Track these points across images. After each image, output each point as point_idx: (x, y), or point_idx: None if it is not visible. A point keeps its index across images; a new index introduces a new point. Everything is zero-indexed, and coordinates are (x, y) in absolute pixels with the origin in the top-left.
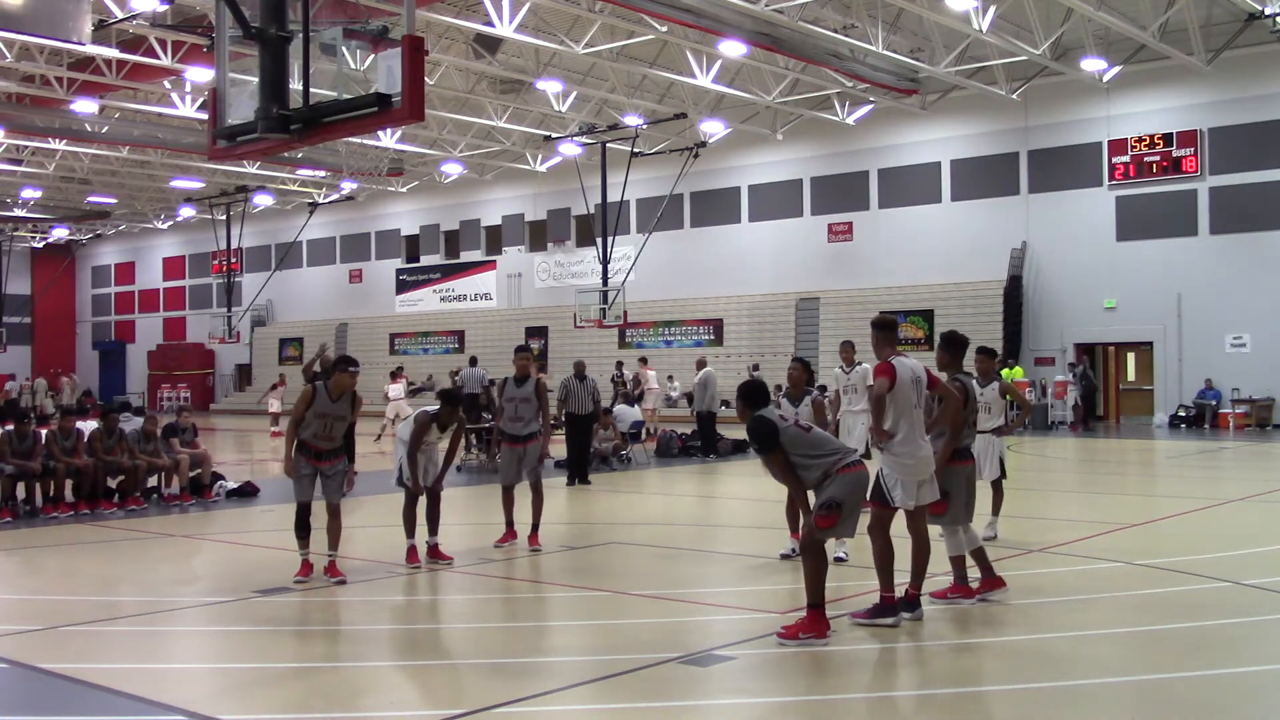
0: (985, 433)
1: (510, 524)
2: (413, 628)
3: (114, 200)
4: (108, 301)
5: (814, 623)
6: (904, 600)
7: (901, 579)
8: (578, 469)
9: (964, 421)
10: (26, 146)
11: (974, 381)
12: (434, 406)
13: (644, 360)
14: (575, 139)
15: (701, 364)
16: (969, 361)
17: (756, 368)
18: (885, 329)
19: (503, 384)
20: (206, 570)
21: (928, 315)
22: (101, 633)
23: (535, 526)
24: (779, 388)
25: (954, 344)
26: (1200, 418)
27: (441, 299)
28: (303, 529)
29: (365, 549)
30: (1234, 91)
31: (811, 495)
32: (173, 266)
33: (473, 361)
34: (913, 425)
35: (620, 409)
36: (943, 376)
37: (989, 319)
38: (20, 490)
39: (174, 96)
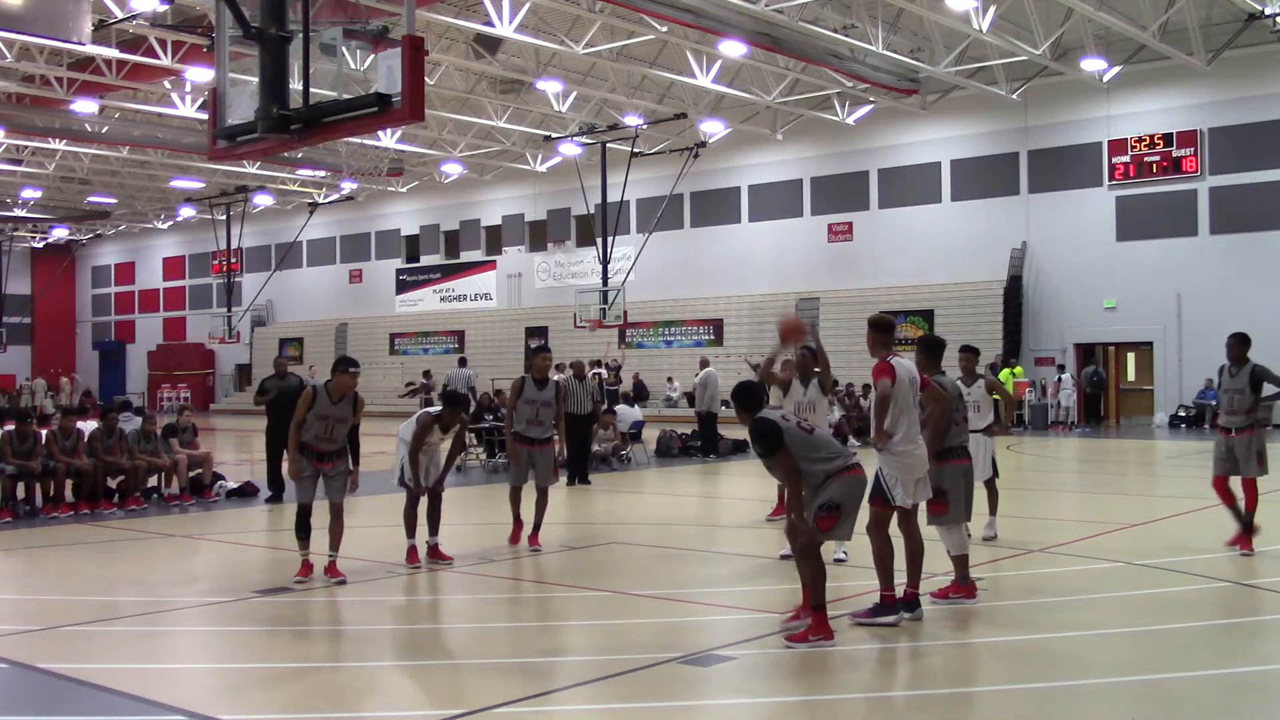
0: (975, 432)
1: (518, 519)
2: (413, 628)
3: (114, 200)
4: (108, 301)
5: (820, 624)
6: (903, 600)
7: (899, 580)
8: (577, 469)
9: (948, 421)
10: (26, 146)
11: (958, 381)
12: (436, 407)
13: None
14: (575, 139)
15: (704, 364)
16: (953, 360)
17: (757, 366)
18: (884, 330)
19: (519, 384)
20: (206, 570)
21: (928, 315)
22: (101, 633)
23: (537, 527)
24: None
25: (933, 346)
26: (1200, 418)
27: (441, 299)
28: (303, 530)
29: (365, 549)
30: (1234, 91)
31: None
32: (173, 266)
33: (461, 363)
34: (911, 424)
35: (621, 409)
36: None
37: (989, 319)
38: (20, 490)
39: (174, 96)
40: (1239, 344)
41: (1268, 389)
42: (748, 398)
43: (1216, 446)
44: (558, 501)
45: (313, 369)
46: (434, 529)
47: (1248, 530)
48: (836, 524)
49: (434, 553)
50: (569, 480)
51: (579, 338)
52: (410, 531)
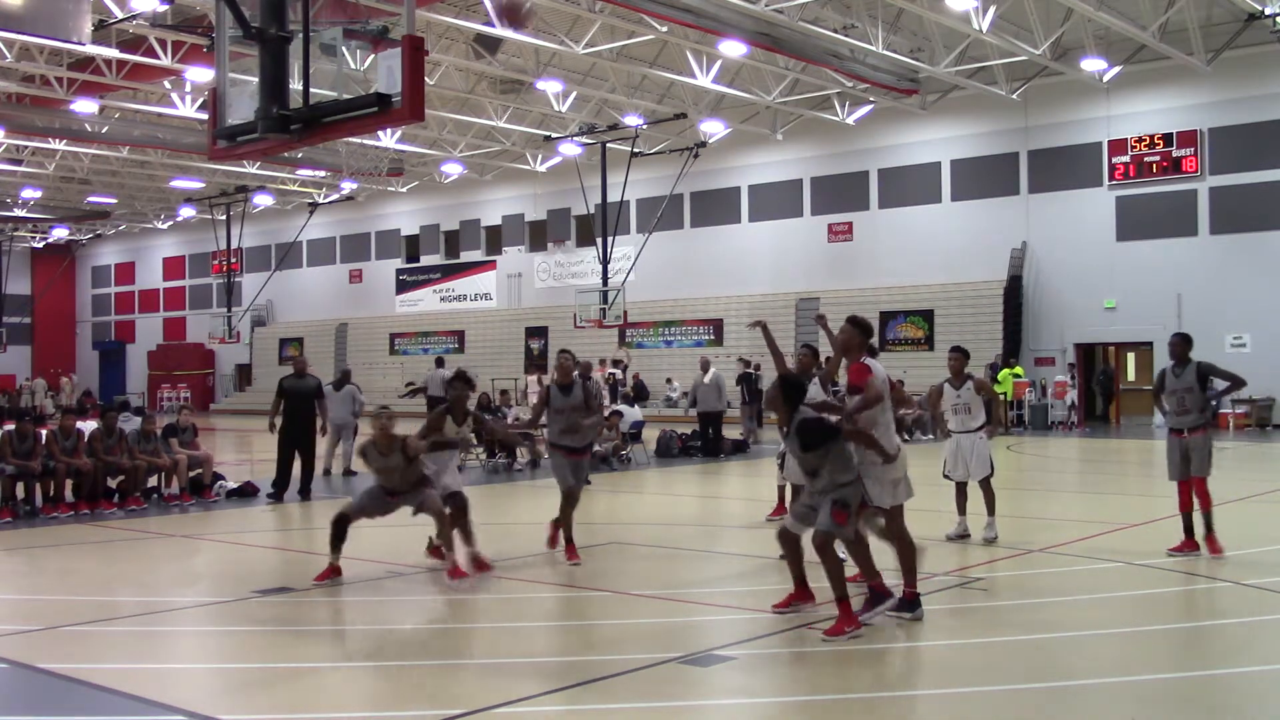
0: (969, 433)
1: (557, 531)
2: (412, 628)
3: (114, 200)
4: (108, 301)
5: (849, 615)
6: (903, 600)
7: (895, 582)
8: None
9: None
10: (26, 146)
11: (946, 383)
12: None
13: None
14: (575, 139)
15: (706, 364)
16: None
17: (758, 367)
18: (866, 333)
19: (545, 394)
20: (206, 570)
21: (928, 315)
22: (101, 633)
23: (559, 526)
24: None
25: (873, 351)
26: None
27: (441, 299)
28: (337, 536)
29: (365, 549)
30: (1234, 91)
31: (798, 486)
32: (173, 266)
33: (438, 363)
34: (888, 424)
35: (621, 409)
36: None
37: (989, 319)
38: (20, 490)
39: (174, 96)
40: (1182, 343)
41: (1217, 383)
42: (796, 391)
43: (1170, 450)
44: (557, 501)
45: (311, 368)
46: (450, 543)
47: (1211, 532)
48: (847, 521)
49: (435, 553)
50: None
51: (579, 338)
52: (455, 543)
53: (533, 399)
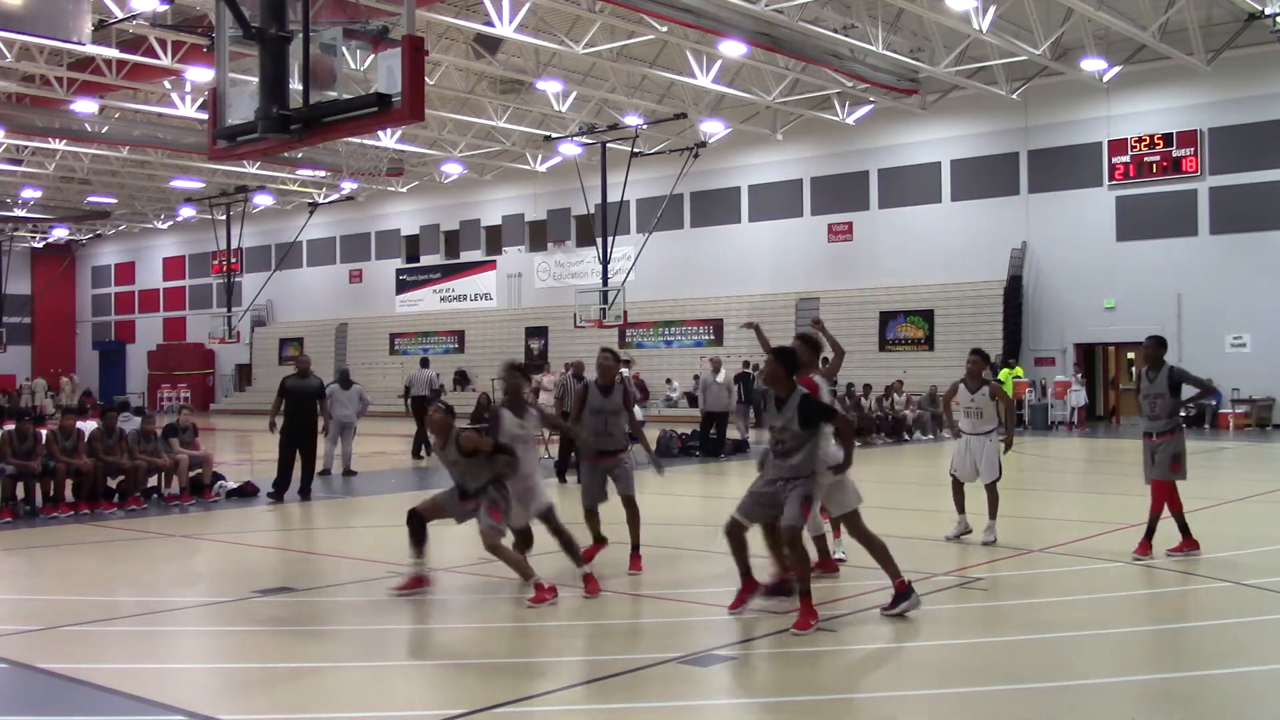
0: (980, 435)
1: (600, 538)
2: (412, 628)
3: (114, 200)
4: (108, 301)
5: (812, 609)
6: (897, 594)
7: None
8: (573, 468)
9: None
10: (26, 146)
11: (961, 384)
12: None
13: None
14: (575, 139)
15: (718, 365)
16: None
17: (755, 367)
18: (815, 350)
19: (583, 392)
20: (206, 570)
21: (928, 315)
22: (101, 633)
23: (636, 547)
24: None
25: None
26: (1200, 418)
27: (441, 299)
28: (417, 537)
29: (366, 549)
30: (1234, 91)
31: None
32: (173, 266)
33: (423, 363)
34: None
35: None
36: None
37: (989, 319)
38: (20, 490)
39: (174, 96)
40: (1155, 346)
41: (1188, 390)
42: (796, 363)
43: (1144, 454)
44: (555, 502)
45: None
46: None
47: (1148, 537)
48: (809, 514)
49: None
50: (559, 479)
51: (579, 338)
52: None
53: None
